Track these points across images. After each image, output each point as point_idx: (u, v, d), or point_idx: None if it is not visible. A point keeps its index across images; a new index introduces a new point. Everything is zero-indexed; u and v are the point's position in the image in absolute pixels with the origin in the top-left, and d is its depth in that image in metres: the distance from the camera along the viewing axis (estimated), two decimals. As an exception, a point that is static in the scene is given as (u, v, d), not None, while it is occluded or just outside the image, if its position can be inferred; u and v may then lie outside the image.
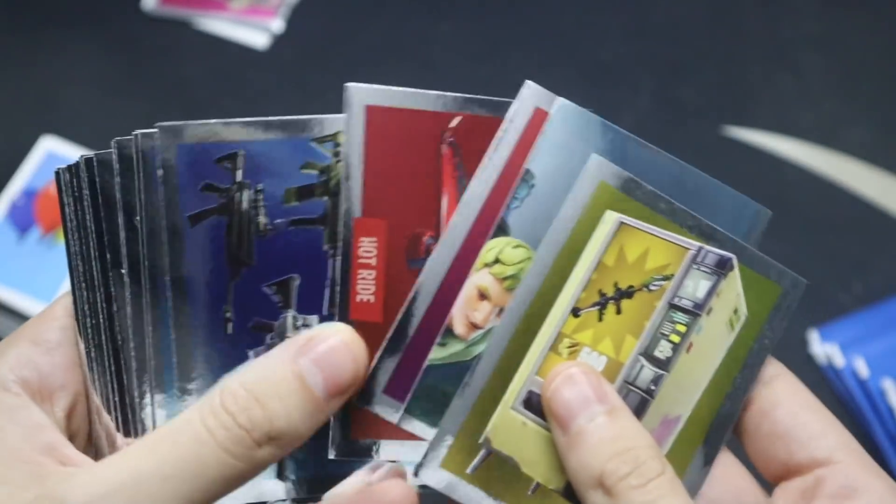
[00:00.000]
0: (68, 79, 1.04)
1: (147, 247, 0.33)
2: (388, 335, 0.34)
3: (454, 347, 0.34)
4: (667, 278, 0.33)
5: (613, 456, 0.30)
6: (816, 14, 1.09)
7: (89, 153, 0.33)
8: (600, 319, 0.33)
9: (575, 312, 0.33)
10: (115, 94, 1.03)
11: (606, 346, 0.33)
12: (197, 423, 0.29)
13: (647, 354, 0.33)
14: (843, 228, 0.94)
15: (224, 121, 0.33)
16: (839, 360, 0.84)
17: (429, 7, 1.09)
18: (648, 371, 0.33)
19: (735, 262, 0.34)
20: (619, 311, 0.33)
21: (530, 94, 0.34)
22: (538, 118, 0.34)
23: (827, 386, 0.85)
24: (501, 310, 0.34)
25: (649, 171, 0.34)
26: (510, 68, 1.03)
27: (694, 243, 0.33)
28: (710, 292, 0.33)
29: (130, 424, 0.33)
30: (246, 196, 0.33)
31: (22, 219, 0.93)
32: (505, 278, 0.34)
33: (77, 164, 0.33)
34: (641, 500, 0.30)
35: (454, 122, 0.34)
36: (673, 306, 0.33)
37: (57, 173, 0.34)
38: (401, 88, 0.34)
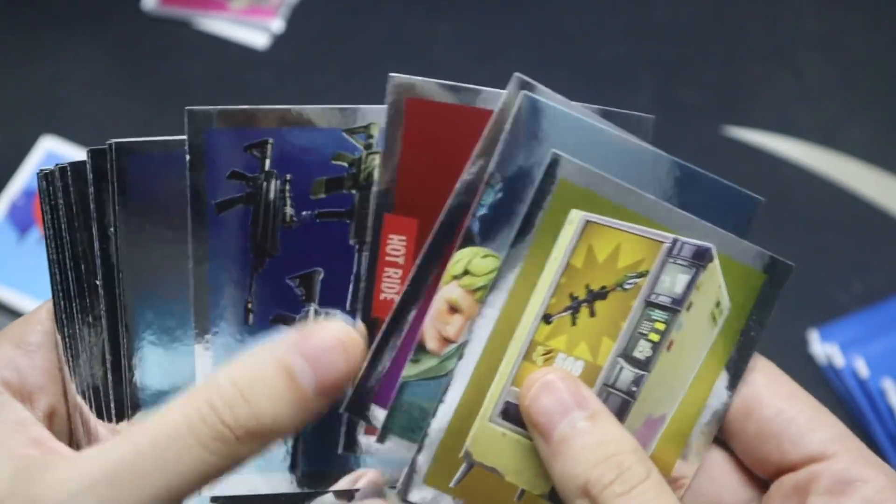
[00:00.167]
0: (68, 79, 1.04)
1: (119, 258, 0.32)
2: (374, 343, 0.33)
3: (428, 363, 0.33)
4: (641, 275, 0.32)
5: (597, 463, 0.30)
6: (816, 14, 1.09)
7: (64, 162, 0.33)
8: (574, 324, 0.32)
9: (546, 319, 0.32)
10: (115, 94, 1.03)
11: (582, 351, 0.32)
12: (178, 416, 0.28)
13: (626, 355, 0.32)
14: (843, 228, 0.94)
15: (256, 107, 0.32)
16: (839, 360, 0.84)
17: (429, 7, 1.09)
18: (628, 372, 0.32)
19: (714, 251, 0.32)
20: (592, 314, 0.32)
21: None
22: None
23: (827, 386, 0.85)
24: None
25: (623, 162, 0.32)
26: (510, 68, 1.02)
27: (668, 235, 0.32)
28: (689, 286, 0.32)
29: (114, 412, 0.33)
30: (273, 186, 0.32)
31: (22, 219, 0.93)
32: (476, 290, 0.32)
33: (52, 173, 0.33)
34: None
35: None
36: (650, 304, 0.32)
37: (38, 178, 0.33)
38: (446, 82, 0.32)
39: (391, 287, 0.33)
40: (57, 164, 0.33)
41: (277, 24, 1.07)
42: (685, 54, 1.06)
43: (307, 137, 0.32)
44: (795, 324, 0.86)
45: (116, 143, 0.32)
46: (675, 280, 0.32)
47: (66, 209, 0.33)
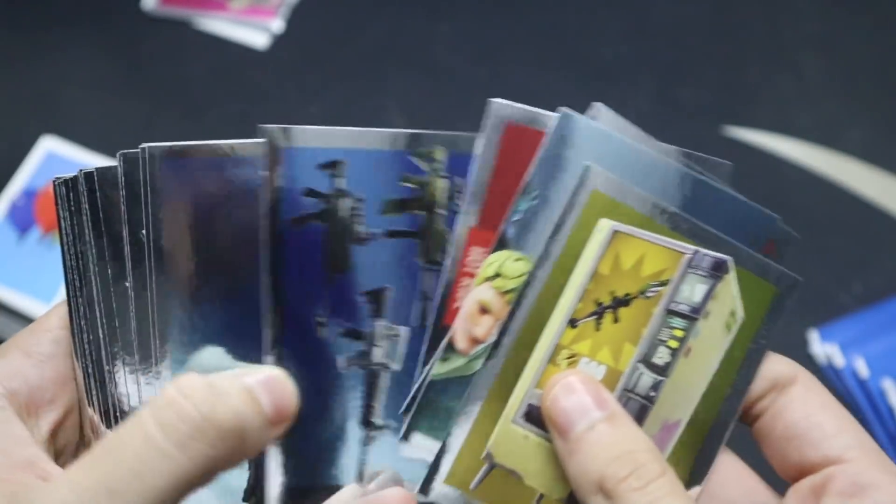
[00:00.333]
0: (68, 79, 1.04)
1: (154, 260, 0.33)
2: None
3: (456, 362, 0.33)
4: (663, 284, 0.33)
5: (613, 460, 0.30)
6: (817, 15, 1.09)
7: (89, 167, 0.33)
8: (598, 329, 0.33)
9: (572, 323, 0.33)
10: (115, 94, 1.03)
11: (605, 356, 0.33)
12: (149, 421, 0.27)
13: (646, 361, 0.33)
14: (843, 228, 0.94)
15: (331, 128, 0.34)
16: (839, 360, 0.84)
17: (429, 7, 1.09)
18: (648, 378, 0.33)
19: (731, 264, 0.33)
20: (616, 320, 0.33)
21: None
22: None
23: (827, 386, 0.85)
24: None
25: (650, 176, 0.34)
26: (510, 68, 1.03)
27: (689, 247, 0.33)
28: (707, 296, 0.33)
29: None
30: (346, 203, 0.34)
31: (22, 219, 0.93)
32: (506, 292, 0.33)
33: (76, 178, 0.33)
34: (642, 501, 0.29)
35: None
36: (670, 312, 0.33)
37: (55, 186, 0.34)
38: (540, 111, 0.34)
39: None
40: (81, 170, 0.33)
41: (277, 24, 1.07)
42: (685, 54, 1.06)
43: (377, 158, 0.34)
44: (795, 324, 0.86)
45: (150, 147, 0.33)
46: (694, 289, 0.33)
47: (92, 213, 0.33)
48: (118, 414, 0.33)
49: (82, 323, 0.33)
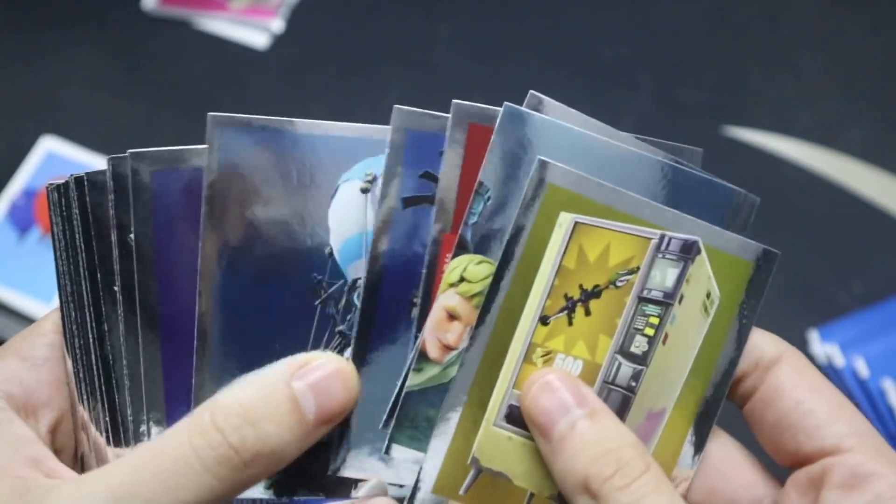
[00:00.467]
0: (68, 79, 1.04)
1: (138, 265, 0.32)
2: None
3: (430, 371, 0.33)
4: (632, 272, 0.32)
5: (596, 458, 0.30)
6: (817, 14, 1.09)
7: (80, 172, 0.33)
8: (570, 324, 0.32)
9: (543, 320, 0.32)
10: (115, 94, 1.03)
11: (581, 350, 0.32)
12: (184, 441, 0.28)
13: (624, 351, 0.32)
14: (843, 228, 0.94)
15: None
16: (839, 360, 0.84)
17: (428, 7, 1.09)
18: (627, 368, 0.32)
19: (701, 244, 0.33)
20: (588, 313, 0.32)
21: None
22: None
23: (827, 386, 0.85)
24: None
25: (608, 165, 0.33)
26: (510, 68, 1.03)
27: (655, 231, 0.32)
28: (679, 280, 0.32)
29: (121, 436, 0.33)
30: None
31: (22, 219, 0.93)
32: (472, 296, 0.33)
33: (66, 184, 0.33)
34: (626, 500, 0.29)
35: None
36: (643, 299, 0.32)
37: (48, 191, 0.34)
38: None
39: None
40: (72, 175, 0.33)
41: (277, 24, 1.07)
42: (685, 54, 1.06)
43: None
44: (795, 324, 0.86)
45: (133, 152, 0.32)
46: (665, 274, 0.32)
47: (82, 219, 0.33)
48: (107, 419, 0.33)
49: (73, 328, 0.33)
